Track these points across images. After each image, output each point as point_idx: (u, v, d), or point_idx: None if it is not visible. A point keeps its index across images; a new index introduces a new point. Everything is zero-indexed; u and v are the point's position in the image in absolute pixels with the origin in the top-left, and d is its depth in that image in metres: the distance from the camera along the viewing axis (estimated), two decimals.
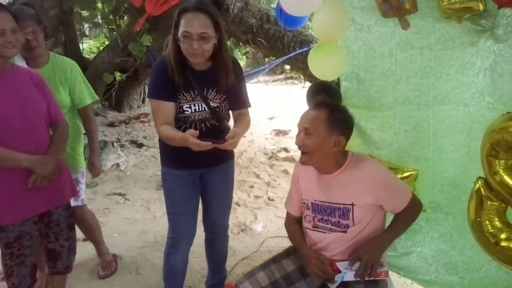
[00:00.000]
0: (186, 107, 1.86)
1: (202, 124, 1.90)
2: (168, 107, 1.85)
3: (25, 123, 1.78)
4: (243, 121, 1.96)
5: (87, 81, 2.42)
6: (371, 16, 1.98)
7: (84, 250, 2.82)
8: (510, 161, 1.53)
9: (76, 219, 2.49)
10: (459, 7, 1.59)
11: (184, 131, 1.82)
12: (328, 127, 1.61)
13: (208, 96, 1.87)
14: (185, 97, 1.85)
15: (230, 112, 2.01)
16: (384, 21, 1.93)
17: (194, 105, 1.86)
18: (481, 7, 1.56)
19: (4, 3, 4.38)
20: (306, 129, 1.63)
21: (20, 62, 2.17)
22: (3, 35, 1.69)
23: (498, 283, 1.80)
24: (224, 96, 1.90)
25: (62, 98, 2.25)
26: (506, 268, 1.65)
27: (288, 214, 1.94)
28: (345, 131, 1.67)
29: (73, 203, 2.41)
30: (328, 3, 1.98)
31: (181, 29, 1.71)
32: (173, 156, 1.96)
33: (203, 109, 1.87)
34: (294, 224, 1.90)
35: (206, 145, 1.71)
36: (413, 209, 1.71)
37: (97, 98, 2.51)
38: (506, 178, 1.53)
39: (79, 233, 2.67)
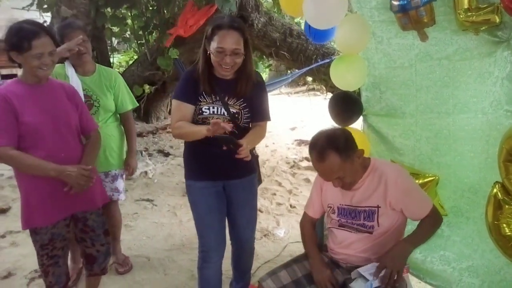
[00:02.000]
0: (205, 109, 1.92)
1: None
2: (187, 108, 1.93)
3: (55, 133, 1.87)
4: (255, 132, 1.99)
5: (129, 89, 2.63)
6: (391, 29, 2.05)
7: None
8: None
9: (110, 213, 2.69)
10: (476, 20, 1.63)
11: (203, 139, 1.87)
12: (348, 160, 1.66)
13: (228, 102, 1.93)
14: (206, 99, 1.92)
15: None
16: (403, 33, 1.98)
17: (213, 107, 1.92)
18: (497, 19, 1.60)
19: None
20: (338, 178, 1.69)
21: (70, 69, 2.39)
22: (40, 58, 1.77)
23: None
24: (244, 104, 1.95)
25: (109, 103, 2.50)
26: None
27: (305, 215, 2.01)
28: (355, 145, 1.72)
29: (122, 197, 2.69)
30: (350, 17, 2.08)
31: (214, 44, 1.81)
32: (194, 168, 2.04)
33: (222, 113, 1.92)
34: (308, 224, 1.99)
35: (226, 125, 1.75)
36: (434, 220, 1.74)
37: (137, 104, 2.72)
38: None
39: None
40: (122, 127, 2.67)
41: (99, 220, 2.08)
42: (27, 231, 1.94)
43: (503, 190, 1.65)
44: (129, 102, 2.60)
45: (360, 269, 1.68)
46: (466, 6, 1.63)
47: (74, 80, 2.38)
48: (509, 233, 1.64)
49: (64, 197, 1.89)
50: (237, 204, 2.09)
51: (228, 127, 1.75)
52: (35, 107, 1.83)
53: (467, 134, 1.96)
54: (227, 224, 2.15)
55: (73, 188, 1.87)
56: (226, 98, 1.93)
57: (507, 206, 1.64)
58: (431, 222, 1.74)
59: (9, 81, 1.90)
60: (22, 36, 1.75)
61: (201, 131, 1.82)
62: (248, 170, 2.08)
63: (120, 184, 2.65)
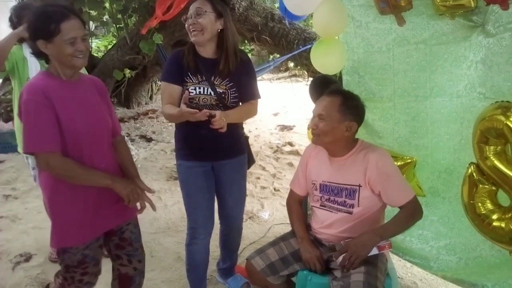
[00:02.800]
0: (192, 89, 1.94)
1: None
2: (174, 89, 1.96)
3: (94, 139, 1.63)
4: (241, 108, 2.02)
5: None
6: (369, 13, 2.06)
7: None
8: (500, 147, 1.59)
9: None
10: (452, 4, 1.64)
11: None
12: (341, 113, 1.74)
13: (214, 82, 1.95)
14: (192, 80, 1.95)
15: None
16: (381, 18, 2.00)
17: (200, 88, 1.94)
18: (473, 4, 1.61)
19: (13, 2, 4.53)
20: (320, 115, 1.76)
21: (27, 51, 2.32)
22: (73, 44, 1.51)
23: (490, 261, 1.89)
24: (230, 84, 1.97)
25: None
26: (498, 246, 1.72)
27: (291, 192, 2.06)
28: (357, 117, 1.78)
29: None
30: (327, 1, 2.10)
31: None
32: (184, 148, 2.06)
33: (208, 93, 1.94)
34: (296, 203, 2.04)
35: (202, 114, 1.77)
36: (410, 213, 1.76)
37: None
38: (496, 162, 1.59)
39: None
40: None
41: (136, 231, 1.85)
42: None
43: (477, 171, 1.69)
44: None
45: (343, 242, 1.77)
46: None
47: (33, 62, 2.35)
48: (483, 212, 1.69)
49: (101, 212, 1.67)
50: (225, 183, 2.13)
51: (203, 117, 1.78)
52: (72, 108, 1.57)
53: (443, 117, 2.01)
54: (216, 204, 2.20)
55: (123, 202, 1.65)
56: (212, 78, 1.95)
57: (481, 186, 1.69)
58: (407, 214, 1.77)
59: (37, 74, 1.63)
60: (48, 19, 1.48)
61: (182, 112, 1.80)
62: (237, 151, 2.11)
63: None
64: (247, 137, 2.27)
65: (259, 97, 2.09)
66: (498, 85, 1.70)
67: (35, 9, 1.57)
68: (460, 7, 1.66)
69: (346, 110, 1.75)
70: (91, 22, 6.49)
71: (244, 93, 2.03)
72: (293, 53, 3.94)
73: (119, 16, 5.33)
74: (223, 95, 1.96)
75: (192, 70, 1.95)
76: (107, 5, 5.50)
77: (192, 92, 1.93)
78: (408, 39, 2.00)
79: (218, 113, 1.82)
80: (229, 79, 1.97)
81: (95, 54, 6.95)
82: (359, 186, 1.78)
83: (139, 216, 1.84)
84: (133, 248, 1.82)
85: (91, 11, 5.68)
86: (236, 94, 2.00)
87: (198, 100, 1.94)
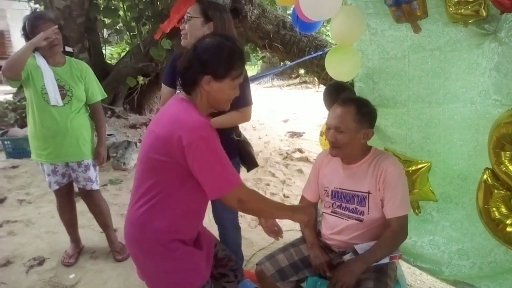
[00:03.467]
0: (178, 92, 1.99)
1: None
2: (168, 91, 2.03)
3: None
4: (229, 116, 1.95)
5: (98, 81, 2.70)
6: (385, 21, 2.10)
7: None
8: None
9: (93, 202, 2.78)
10: (465, 13, 1.68)
11: None
12: (357, 122, 1.75)
13: None
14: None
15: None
16: (397, 25, 2.03)
17: None
18: (484, 12, 1.65)
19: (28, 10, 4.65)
20: (337, 128, 1.76)
21: (41, 60, 2.43)
22: (236, 87, 1.51)
23: (505, 265, 1.90)
24: None
25: (81, 93, 2.56)
26: None
27: (302, 198, 2.08)
28: (372, 123, 1.82)
29: (95, 186, 2.70)
30: (345, 9, 2.14)
31: None
32: None
33: None
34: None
35: None
36: (397, 230, 1.77)
37: (106, 96, 2.80)
38: (511, 168, 1.63)
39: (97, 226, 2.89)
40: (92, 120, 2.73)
41: (223, 247, 1.88)
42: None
43: (493, 176, 1.71)
44: (98, 93, 2.68)
45: (356, 246, 1.79)
46: (456, 0, 1.68)
47: (47, 70, 2.43)
48: (498, 217, 1.72)
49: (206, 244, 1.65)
50: None
51: None
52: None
53: (456, 123, 2.03)
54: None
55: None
56: None
57: (496, 191, 1.71)
58: (392, 235, 1.77)
59: (189, 108, 1.47)
60: (236, 59, 1.44)
61: None
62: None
63: (93, 173, 2.70)
64: (240, 141, 2.25)
65: (250, 103, 2.07)
66: None
67: (218, 42, 1.43)
68: (472, 16, 1.69)
69: (361, 119, 1.77)
70: (104, 30, 6.62)
71: (234, 100, 2.05)
72: (304, 58, 3.97)
73: (133, 24, 5.44)
74: None
75: None
76: (121, 13, 5.62)
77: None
78: (424, 46, 2.03)
79: None
80: None
81: (109, 62, 7.06)
82: (369, 193, 1.80)
83: None
84: (234, 261, 1.89)
85: (105, 19, 5.81)
86: None
87: None
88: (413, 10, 1.76)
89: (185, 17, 1.98)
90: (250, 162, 2.28)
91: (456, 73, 1.98)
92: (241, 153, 2.24)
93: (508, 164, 1.65)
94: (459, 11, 1.70)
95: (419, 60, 2.08)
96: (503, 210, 1.72)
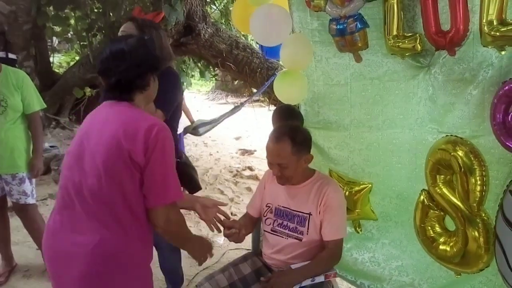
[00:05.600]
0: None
1: None
2: None
3: None
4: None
5: (37, 91, 2.61)
6: (329, 49, 2.17)
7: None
8: (448, 176, 1.75)
9: (28, 217, 2.64)
10: (402, 46, 1.79)
11: None
12: (296, 154, 1.78)
13: None
14: None
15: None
16: (340, 54, 2.11)
17: None
18: (419, 47, 1.76)
19: None
20: (280, 164, 1.79)
21: None
22: None
23: (440, 281, 2.02)
24: None
25: (17, 103, 2.46)
26: (445, 266, 1.87)
27: (246, 213, 2.09)
28: (309, 148, 1.86)
29: (31, 200, 2.57)
30: (295, 36, 2.22)
31: None
32: None
33: None
34: (244, 217, 2.08)
35: None
36: (333, 251, 1.84)
37: (45, 106, 2.70)
38: (445, 190, 1.76)
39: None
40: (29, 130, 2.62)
41: None
42: None
43: (429, 197, 1.84)
44: (36, 103, 2.58)
45: (292, 266, 1.84)
46: (395, 33, 1.79)
47: None
48: (433, 235, 1.86)
49: None
50: None
51: None
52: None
53: (395, 147, 2.13)
54: None
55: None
56: None
57: (431, 211, 1.85)
58: (327, 256, 1.85)
59: (146, 114, 1.48)
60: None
61: None
62: None
63: (28, 187, 2.58)
64: (180, 163, 2.11)
65: (162, 109, 1.93)
66: (448, 120, 1.83)
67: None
68: (408, 50, 1.80)
69: (299, 149, 1.78)
70: (54, 37, 6.39)
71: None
72: (261, 89, 3.99)
73: (84, 34, 5.30)
74: None
75: None
76: (72, 21, 5.46)
77: None
78: (364, 75, 2.13)
79: None
80: None
81: (56, 70, 6.80)
82: (309, 214, 1.85)
83: None
84: None
85: (55, 27, 5.61)
86: None
87: None
88: (355, 41, 1.86)
89: (120, 34, 1.94)
90: (191, 186, 2.21)
91: (394, 101, 2.08)
92: (182, 176, 2.15)
93: (442, 187, 1.78)
94: (397, 44, 1.80)
95: (360, 88, 2.17)
96: (437, 229, 1.86)
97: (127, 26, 1.94)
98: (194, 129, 4.17)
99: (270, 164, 1.84)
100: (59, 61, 7.78)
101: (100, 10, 5.18)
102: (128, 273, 1.38)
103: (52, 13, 5.03)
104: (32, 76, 3.85)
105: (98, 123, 1.43)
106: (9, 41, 4.42)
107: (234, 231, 1.84)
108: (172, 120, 2.00)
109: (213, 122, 4.21)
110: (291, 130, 1.82)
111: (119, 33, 1.95)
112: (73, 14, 5.29)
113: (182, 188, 2.07)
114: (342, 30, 1.86)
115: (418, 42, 1.76)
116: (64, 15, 5.26)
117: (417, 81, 1.96)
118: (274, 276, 1.80)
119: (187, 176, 2.17)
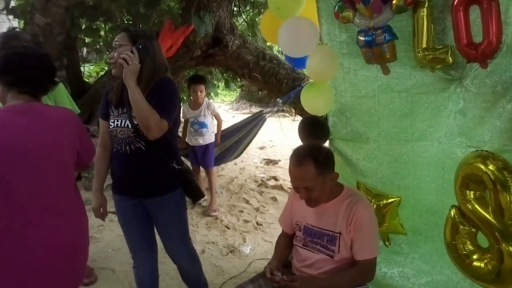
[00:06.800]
0: (111, 122, 1.93)
1: (127, 147, 1.91)
2: (103, 125, 2.00)
3: None
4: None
5: (70, 97, 2.69)
6: (357, 61, 2.18)
7: None
8: (479, 192, 1.69)
9: None
10: (432, 58, 1.78)
11: (114, 153, 1.98)
12: (322, 175, 1.71)
13: (132, 113, 1.87)
14: (113, 113, 1.95)
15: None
16: (368, 66, 2.11)
17: (118, 120, 1.91)
18: (451, 60, 1.75)
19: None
20: (306, 188, 1.73)
21: None
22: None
23: None
24: None
25: None
26: (478, 284, 1.80)
27: (283, 233, 2.08)
28: (333, 165, 1.80)
29: None
30: (321, 48, 2.24)
31: None
32: (113, 182, 2.10)
33: (126, 125, 1.89)
34: (283, 237, 2.06)
35: None
36: (365, 271, 1.77)
37: (79, 111, 2.75)
38: (477, 206, 1.69)
39: None
40: None
41: None
42: None
43: (459, 213, 1.79)
44: (69, 107, 2.60)
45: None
46: (424, 46, 1.78)
47: None
48: (464, 252, 1.78)
49: None
50: (159, 222, 2.12)
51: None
52: None
53: (424, 160, 2.10)
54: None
55: None
56: (131, 110, 1.87)
57: (462, 227, 1.78)
58: (358, 274, 1.77)
59: None
60: None
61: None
62: (166, 188, 2.02)
63: None
64: (181, 170, 2.07)
65: (164, 116, 1.87)
66: (477, 135, 1.80)
67: None
68: (439, 62, 1.79)
69: (322, 169, 1.72)
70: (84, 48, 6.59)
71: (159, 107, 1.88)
72: (286, 98, 4.00)
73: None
74: (138, 126, 1.86)
75: (115, 103, 1.94)
76: (102, 33, 5.62)
77: (111, 125, 1.94)
78: (392, 87, 2.12)
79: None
80: None
81: (86, 80, 7.00)
82: (340, 233, 1.79)
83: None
84: None
85: (86, 38, 5.79)
86: None
87: (116, 133, 1.93)
88: (383, 53, 1.86)
89: (114, 44, 1.91)
90: (194, 193, 2.14)
91: (423, 113, 2.06)
92: (184, 183, 2.08)
93: (474, 203, 1.72)
94: (427, 57, 1.79)
95: (387, 100, 2.16)
96: (469, 246, 1.79)
97: (120, 37, 1.91)
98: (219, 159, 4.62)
99: (295, 188, 1.80)
100: (89, 71, 8.01)
101: (131, 22, 5.31)
102: None
103: (85, 25, 5.20)
104: (64, 85, 3.96)
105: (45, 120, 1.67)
106: None
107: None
108: (173, 127, 2.01)
109: (233, 152, 4.74)
110: (312, 150, 1.75)
111: (113, 44, 1.93)
112: (103, 26, 5.44)
113: (186, 197, 2.14)
114: (369, 42, 1.86)
115: (449, 55, 1.76)
116: (95, 27, 5.42)
117: (447, 94, 1.94)
118: (298, 280, 1.73)
119: (190, 183, 2.10)
